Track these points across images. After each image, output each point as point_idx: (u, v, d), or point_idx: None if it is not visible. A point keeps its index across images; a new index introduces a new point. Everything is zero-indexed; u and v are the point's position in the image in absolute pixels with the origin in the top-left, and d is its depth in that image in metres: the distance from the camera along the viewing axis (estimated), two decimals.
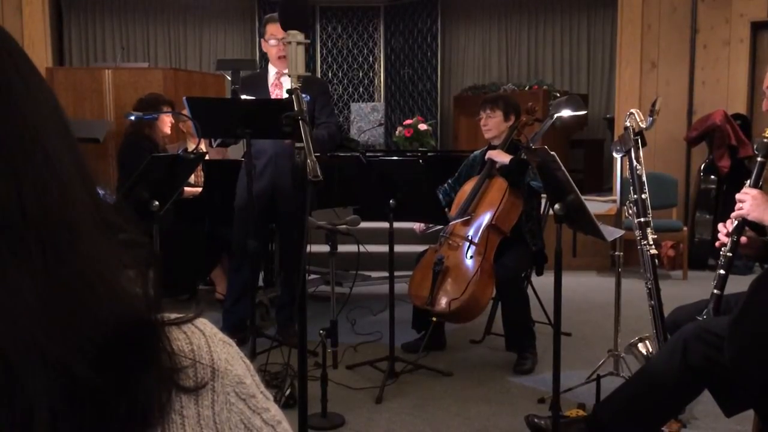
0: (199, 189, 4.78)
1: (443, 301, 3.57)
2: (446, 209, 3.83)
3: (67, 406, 0.46)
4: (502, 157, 3.72)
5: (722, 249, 2.37)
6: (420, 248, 4.06)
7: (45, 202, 0.47)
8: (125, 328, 0.50)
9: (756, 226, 2.38)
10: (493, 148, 3.87)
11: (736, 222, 2.35)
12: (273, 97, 3.89)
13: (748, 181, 2.37)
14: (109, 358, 0.49)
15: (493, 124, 3.87)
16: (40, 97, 0.51)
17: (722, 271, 2.36)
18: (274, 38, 3.87)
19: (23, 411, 0.45)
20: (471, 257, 3.62)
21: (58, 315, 0.47)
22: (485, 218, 3.67)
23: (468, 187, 3.84)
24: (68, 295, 0.47)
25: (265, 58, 4.12)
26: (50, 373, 0.45)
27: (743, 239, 2.34)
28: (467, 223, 3.72)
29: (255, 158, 3.81)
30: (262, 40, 4.03)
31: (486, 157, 3.80)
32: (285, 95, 3.88)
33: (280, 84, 3.96)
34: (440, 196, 3.93)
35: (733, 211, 2.37)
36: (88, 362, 0.47)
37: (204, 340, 0.58)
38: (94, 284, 0.49)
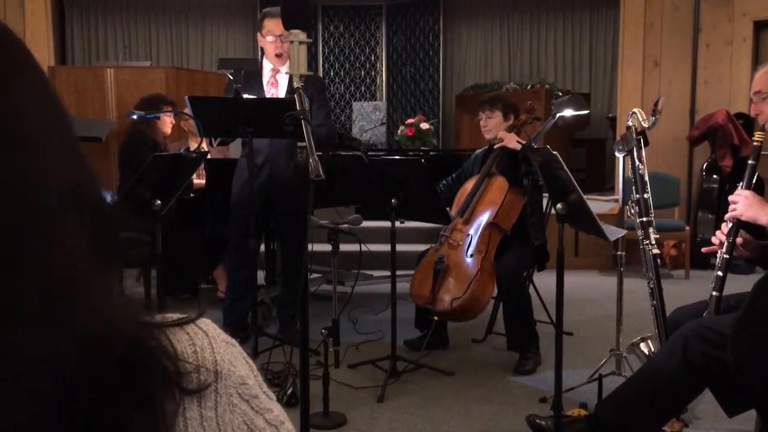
0: (204, 182, 4.79)
1: (444, 301, 3.57)
2: (447, 208, 3.83)
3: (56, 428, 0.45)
4: (515, 144, 3.69)
5: (719, 251, 2.38)
6: (422, 247, 4.06)
7: (30, 220, 0.45)
8: (112, 353, 0.48)
9: (752, 229, 2.38)
10: (492, 148, 3.87)
11: (730, 224, 2.36)
12: (268, 95, 3.88)
13: (741, 184, 2.40)
14: (95, 382, 0.47)
15: (492, 124, 3.86)
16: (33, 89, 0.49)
17: (720, 273, 2.37)
18: (271, 35, 3.83)
19: None
20: (471, 256, 3.62)
21: (37, 340, 0.44)
22: (485, 216, 3.67)
23: (468, 185, 3.83)
24: (49, 318, 0.45)
25: (261, 54, 4.12)
26: (31, 397, 0.44)
27: (738, 240, 2.35)
28: (468, 222, 3.72)
29: (243, 155, 3.81)
30: (258, 34, 3.97)
31: (497, 141, 3.74)
32: (280, 94, 3.88)
33: (275, 82, 3.94)
34: (440, 189, 3.92)
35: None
36: (70, 385, 0.45)
37: (207, 341, 0.58)
38: (77, 308, 0.47)
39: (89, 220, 0.50)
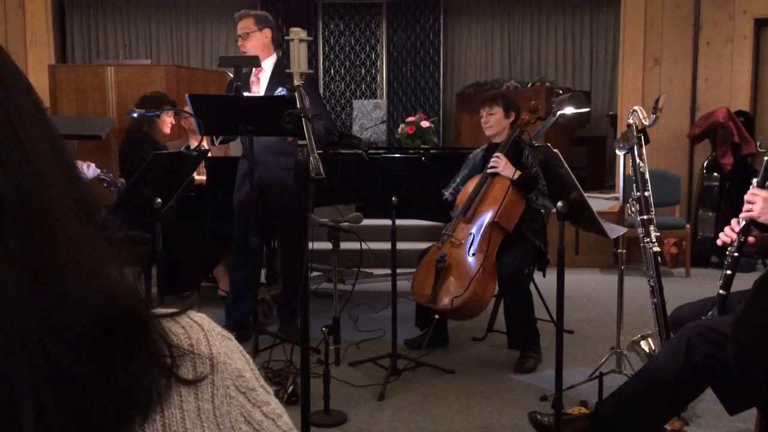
0: (204, 178, 4.79)
1: (445, 299, 3.57)
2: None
3: (53, 395, 0.46)
4: (508, 171, 3.69)
5: (728, 249, 2.36)
6: (422, 245, 4.06)
7: (21, 191, 0.47)
8: (109, 316, 0.50)
9: (761, 225, 2.36)
10: (494, 145, 3.87)
11: (744, 222, 2.33)
12: (251, 93, 3.93)
13: (755, 180, 2.35)
14: (93, 347, 0.48)
15: (493, 121, 3.86)
16: (15, 90, 0.50)
17: (728, 271, 2.35)
18: (238, 37, 3.96)
19: (6, 399, 0.45)
20: (473, 255, 3.62)
21: (35, 302, 0.46)
22: (487, 216, 3.66)
23: (471, 185, 3.83)
24: (45, 282, 0.47)
25: None
26: (32, 362, 0.45)
27: (750, 239, 2.33)
28: (470, 221, 3.72)
29: (242, 157, 3.83)
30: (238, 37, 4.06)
31: (489, 167, 3.74)
32: (261, 92, 3.94)
33: (257, 80, 4.00)
34: (446, 194, 3.92)
35: (737, 208, 2.36)
36: (70, 350, 0.47)
37: (203, 334, 0.59)
38: (72, 272, 0.49)
39: (73, 192, 0.52)
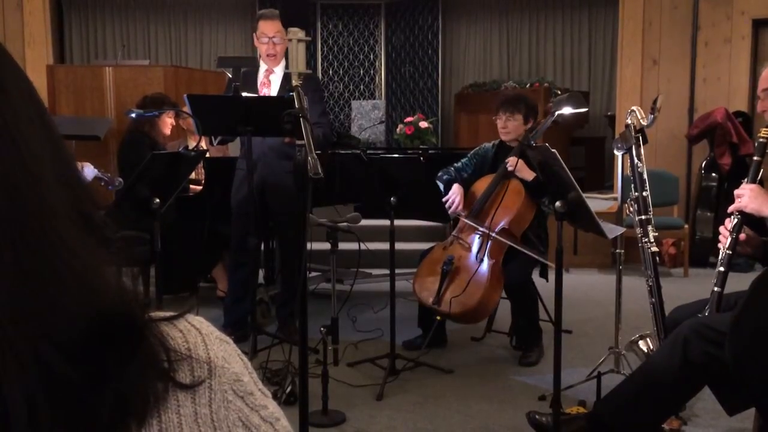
0: (200, 187, 4.79)
1: (452, 303, 3.52)
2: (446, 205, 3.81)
3: (46, 400, 0.46)
4: (525, 174, 3.64)
5: (721, 247, 2.39)
6: (421, 246, 4.06)
7: (15, 195, 0.47)
8: (103, 321, 0.50)
9: (755, 225, 2.39)
10: (504, 145, 3.84)
11: (735, 219, 2.37)
12: (261, 95, 3.92)
13: (746, 179, 2.41)
14: (87, 351, 0.48)
15: (512, 127, 3.80)
16: (14, 91, 0.50)
17: (722, 269, 2.37)
18: (264, 36, 3.89)
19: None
20: (482, 260, 3.60)
21: (27, 308, 0.46)
22: (501, 223, 3.61)
23: (482, 185, 3.76)
24: (38, 286, 0.47)
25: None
26: (23, 366, 0.45)
27: (742, 236, 2.36)
28: (480, 225, 3.67)
29: (241, 156, 3.83)
30: (254, 35, 4.04)
31: (508, 166, 3.65)
32: (272, 94, 3.92)
33: (268, 82, 3.98)
34: (444, 177, 3.86)
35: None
36: (63, 355, 0.47)
37: (200, 338, 0.58)
38: (66, 277, 0.48)
39: (70, 195, 0.52)
